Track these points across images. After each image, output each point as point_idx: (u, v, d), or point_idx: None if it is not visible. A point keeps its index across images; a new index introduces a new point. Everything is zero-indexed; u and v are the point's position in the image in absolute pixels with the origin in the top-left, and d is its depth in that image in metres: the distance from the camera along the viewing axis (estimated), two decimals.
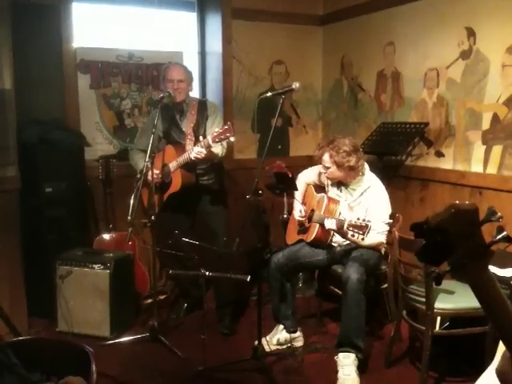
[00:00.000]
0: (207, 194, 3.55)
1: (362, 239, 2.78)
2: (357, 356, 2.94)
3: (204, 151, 3.17)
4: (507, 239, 0.91)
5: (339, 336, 3.03)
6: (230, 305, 3.64)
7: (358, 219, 2.79)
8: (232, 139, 3.15)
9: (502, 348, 1.12)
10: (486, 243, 0.89)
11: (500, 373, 1.02)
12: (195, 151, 3.19)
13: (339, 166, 3.10)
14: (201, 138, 3.21)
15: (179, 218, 3.61)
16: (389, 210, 3.13)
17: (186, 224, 3.61)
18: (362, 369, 2.95)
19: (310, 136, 4.87)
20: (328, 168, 3.16)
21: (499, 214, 0.90)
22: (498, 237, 0.91)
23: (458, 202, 0.85)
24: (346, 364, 2.91)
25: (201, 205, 3.58)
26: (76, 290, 3.46)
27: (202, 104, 3.58)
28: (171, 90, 3.41)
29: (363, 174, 3.19)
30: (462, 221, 0.85)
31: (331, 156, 3.10)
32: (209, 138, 3.11)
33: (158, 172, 3.45)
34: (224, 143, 3.32)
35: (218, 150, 3.36)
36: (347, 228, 2.80)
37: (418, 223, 0.87)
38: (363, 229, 2.74)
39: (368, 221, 2.76)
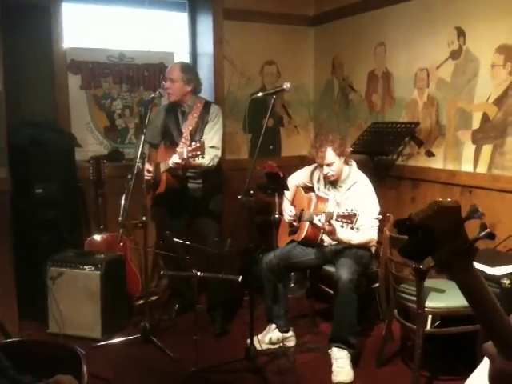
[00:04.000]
0: (198, 197, 3.55)
1: (352, 228, 2.82)
2: (349, 352, 2.98)
3: (180, 161, 3.17)
4: (490, 236, 0.92)
5: (331, 333, 3.07)
6: (221, 305, 3.64)
7: (346, 210, 2.84)
8: (200, 159, 3.17)
9: None
10: (469, 240, 0.90)
11: (492, 377, 1.00)
12: (172, 160, 3.19)
13: (342, 155, 3.17)
14: (178, 148, 3.21)
15: (172, 219, 3.62)
16: (377, 206, 3.15)
17: (178, 225, 3.61)
18: (353, 368, 2.96)
19: (302, 136, 4.87)
20: (331, 165, 3.16)
21: (481, 211, 0.91)
22: (482, 234, 0.92)
23: (440, 199, 0.87)
24: (340, 357, 2.96)
25: (192, 206, 3.57)
26: (67, 291, 3.44)
27: (206, 107, 3.53)
28: (162, 90, 3.41)
29: (350, 165, 3.25)
30: (445, 218, 0.86)
31: (334, 149, 3.14)
32: (184, 149, 3.12)
33: (151, 170, 3.45)
34: (213, 152, 3.33)
35: (204, 160, 3.32)
36: (336, 219, 2.84)
37: (402, 220, 0.88)
38: (351, 218, 2.79)
39: (356, 209, 2.81)
